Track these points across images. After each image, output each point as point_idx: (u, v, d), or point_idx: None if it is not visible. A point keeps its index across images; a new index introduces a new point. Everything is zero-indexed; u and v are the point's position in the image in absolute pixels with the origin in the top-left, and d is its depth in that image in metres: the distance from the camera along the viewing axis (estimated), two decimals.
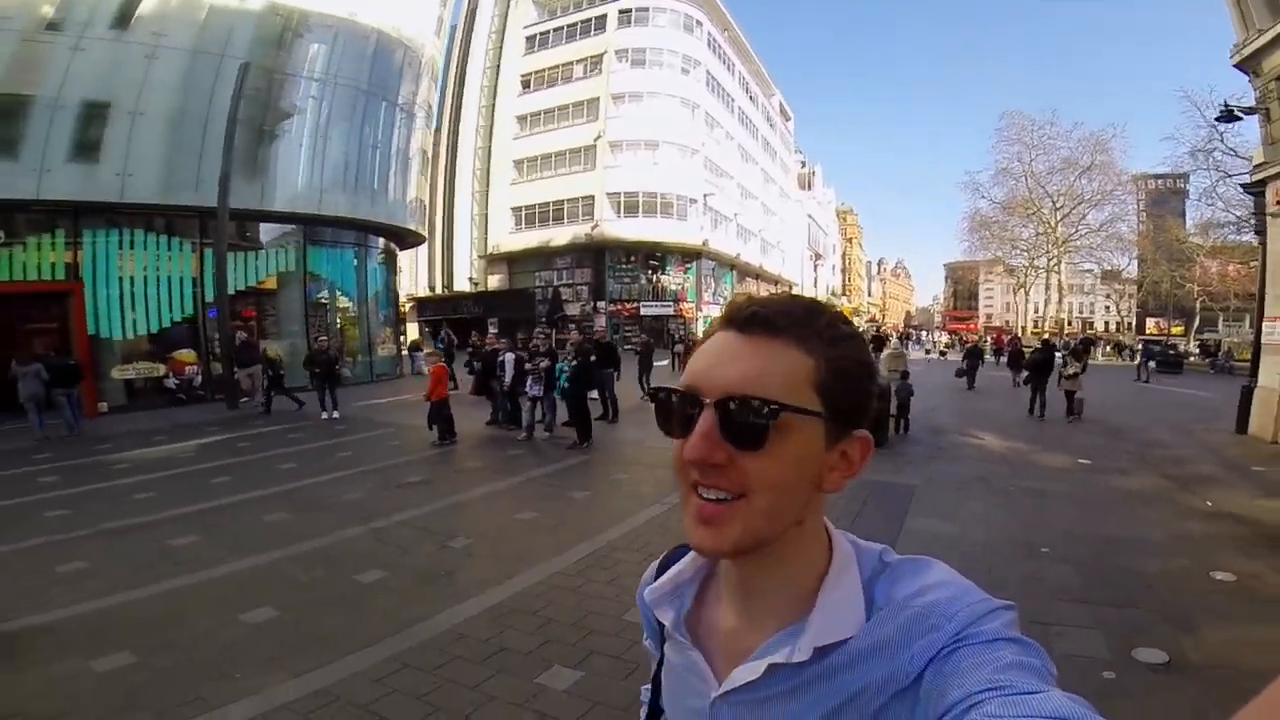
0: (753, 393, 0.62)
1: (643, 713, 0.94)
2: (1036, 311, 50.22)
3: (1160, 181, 54.03)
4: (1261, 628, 4.09)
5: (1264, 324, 11.64)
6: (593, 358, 10.11)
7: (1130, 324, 62.80)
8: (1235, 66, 12.79)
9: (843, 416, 0.66)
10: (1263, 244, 12.19)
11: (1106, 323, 74.66)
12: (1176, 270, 42.63)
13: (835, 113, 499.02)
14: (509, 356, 9.97)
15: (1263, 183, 11.73)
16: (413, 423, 11.17)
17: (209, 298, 15.10)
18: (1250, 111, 12.31)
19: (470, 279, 41.41)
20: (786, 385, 0.63)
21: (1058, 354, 15.41)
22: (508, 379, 9.98)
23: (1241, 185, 15.92)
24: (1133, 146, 74.68)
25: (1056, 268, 42.84)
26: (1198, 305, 44.01)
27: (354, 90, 18.13)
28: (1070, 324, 66.20)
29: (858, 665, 0.63)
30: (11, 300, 13.39)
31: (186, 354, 14.68)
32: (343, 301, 19.50)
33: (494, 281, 39.77)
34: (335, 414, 12.63)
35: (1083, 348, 16.03)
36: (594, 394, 10.63)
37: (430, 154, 24.41)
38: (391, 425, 11.88)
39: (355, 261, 19.65)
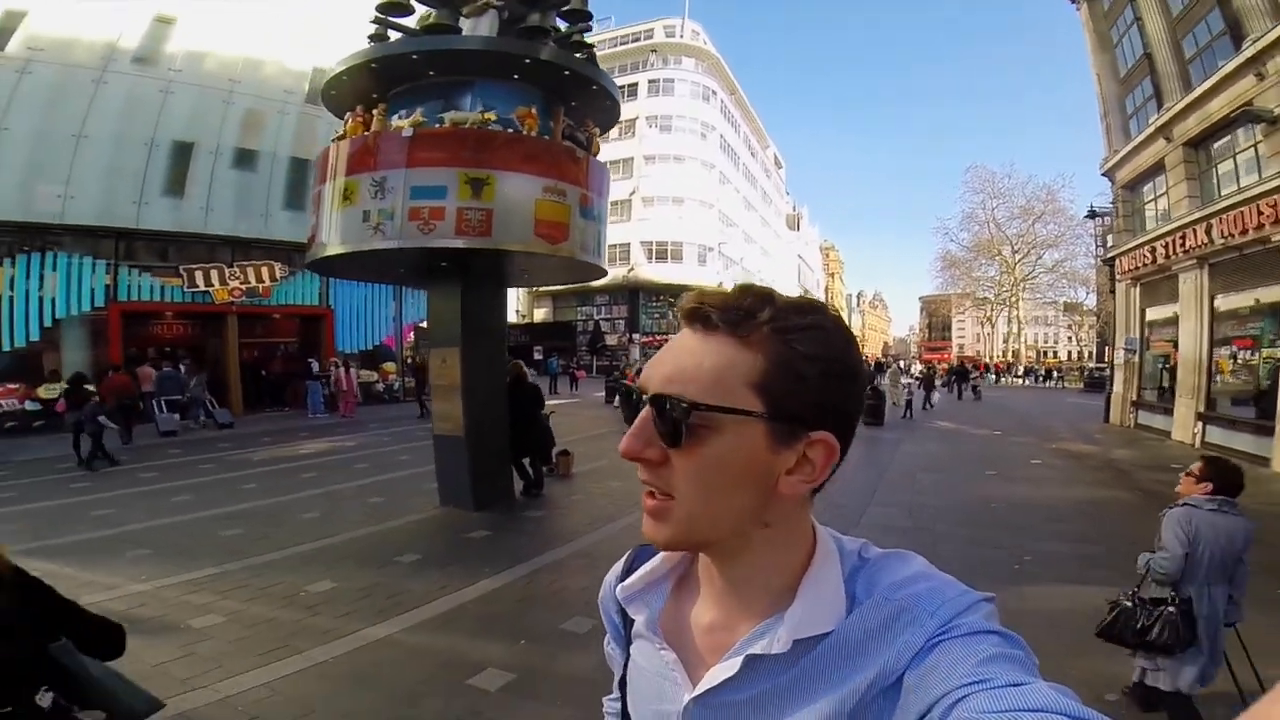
0: (674, 390, 0.61)
1: None
2: (1005, 342, 55.96)
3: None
4: (1038, 469, 10.72)
5: (1114, 351, 18.56)
6: None
7: (1091, 352, 69.87)
8: (1102, 174, 19.58)
9: (791, 416, 0.62)
10: (1113, 298, 19.12)
11: (1069, 351, 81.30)
12: None
13: (820, 147, 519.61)
14: None
15: (1114, 259, 18.59)
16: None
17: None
18: (1106, 211, 19.43)
19: (518, 311, 47.76)
20: (714, 383, 0.61)
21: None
22: None
23: (1102, 259, 22.76)
24: (1080, 195, 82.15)
25: (1016, 303, 49.00)
26: None
27: None
28: (1030, 354, 74.06)
29: (842, 662, 0.62)
30: (289, 318, 19.63)
31: (390, 366, 20.87)
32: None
33: (540, 314, 46.13)
34: None
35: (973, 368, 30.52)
36: None
37: None
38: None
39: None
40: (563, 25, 8.22)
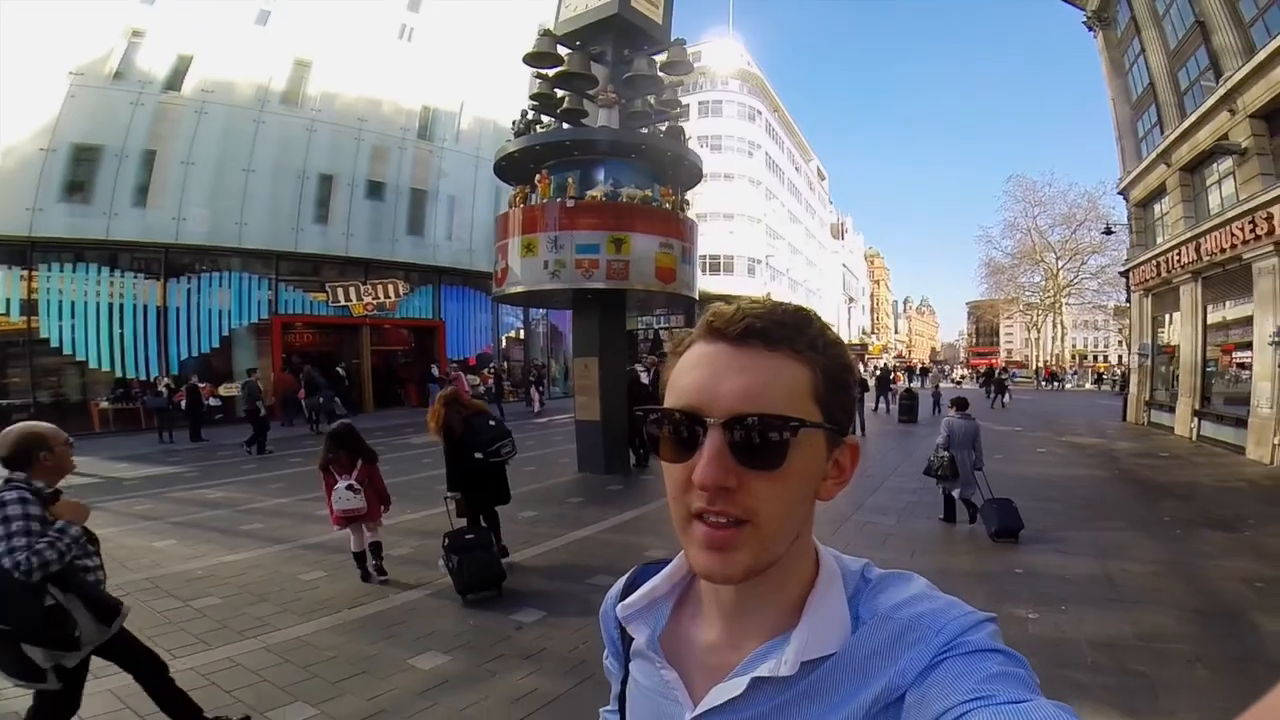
0: (764, 409, 0.61)
1: None
2: (1053, 345, 56.26)
3: None
4: (1041, 455, 13.13)
5: (1132, 356, 20.54)
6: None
7: None
8: (1118, 193, 21.40)
9: (837, 424, 0.66)
10: (1129, 307, 21.04)
11: (1119, 355, 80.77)
12: None
13: (863, 152, 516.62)
14: None
15: (1128, 272, 20.50)
16: None
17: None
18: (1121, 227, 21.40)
19: None
20: (792, 399, 0.62)
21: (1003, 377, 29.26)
22: None
23: (1119, 271, 24.52)
24: (1120, 203, 79.92)
25: (1059, 309, 49.47)
26: None
27: None
28: (1083, 359, 74.33)
29: (846, 680, 0.62)
30: (408, 329, 23.14)
31: (487, 372, 24.15)
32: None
33: None
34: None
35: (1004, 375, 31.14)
36: None
37: None
38: None
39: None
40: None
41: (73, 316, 16.71)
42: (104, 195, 16.99)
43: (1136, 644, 4.23)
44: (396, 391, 23.06)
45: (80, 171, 16.82)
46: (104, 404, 17.23)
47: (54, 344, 16.54)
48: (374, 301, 21.02)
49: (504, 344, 26.38)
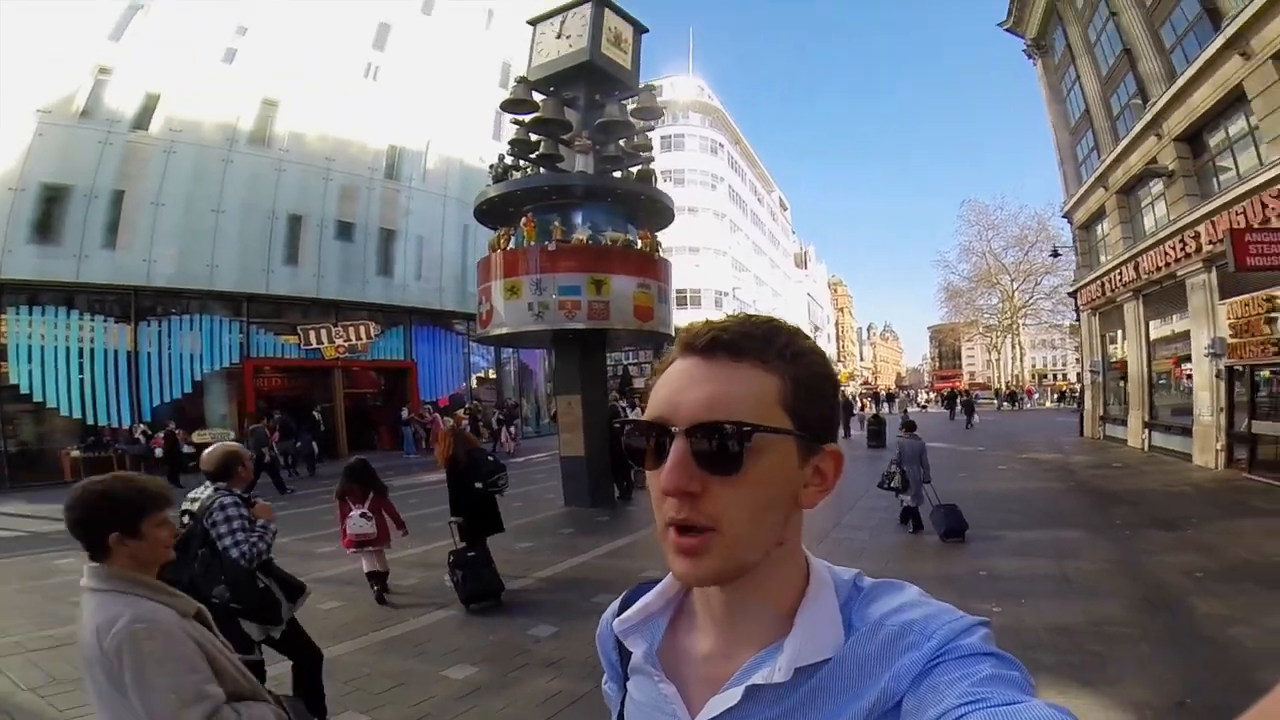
0: (722, 417, 0.62)
1: None
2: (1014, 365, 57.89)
3: None
4: (1002, 471, 13.81)
5: (1085, 373, 21.58)
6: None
7: None
8: (1062, 216, 22.48)
9: (812, 432, 0.67)
10: (1079, 327, 22.17)
11: (1077, 373, 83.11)
12: None
13: (823, 181, 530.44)
14: None
15: (1076, 292, 21.64)
16: None
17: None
18: (1067, 249, 22.63)
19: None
20: (755, 407, 0.64)
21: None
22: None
23: (1068, 293, 25.83)
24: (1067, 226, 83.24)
25: (1016, 330, 50.79)
26: None
27: None
28: (1043, 378, 76.63)
29: (843, 688, 0.63)
30: (380, 371, 23.21)
31: (461, 413, 24.24)
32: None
33: None
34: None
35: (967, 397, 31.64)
36: None
37: None
38: None
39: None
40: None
41: (42, 361, 16.43)
42: (73, 236, 16.74)
43: (1088, 628, 4.74)
44: (370, 434, 23.02)
45: (49, 211, 16.55)
46: (75, 452, 16.95)
47: (23, 390, 16.24)
48: (346, 343, 21.03)
49: (474, 384, 26.50)
